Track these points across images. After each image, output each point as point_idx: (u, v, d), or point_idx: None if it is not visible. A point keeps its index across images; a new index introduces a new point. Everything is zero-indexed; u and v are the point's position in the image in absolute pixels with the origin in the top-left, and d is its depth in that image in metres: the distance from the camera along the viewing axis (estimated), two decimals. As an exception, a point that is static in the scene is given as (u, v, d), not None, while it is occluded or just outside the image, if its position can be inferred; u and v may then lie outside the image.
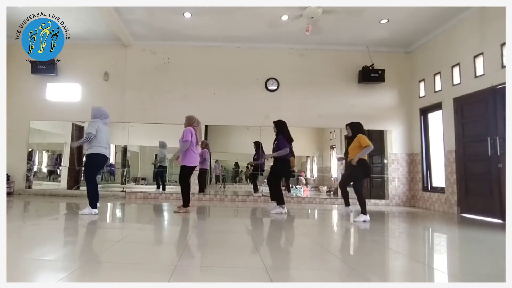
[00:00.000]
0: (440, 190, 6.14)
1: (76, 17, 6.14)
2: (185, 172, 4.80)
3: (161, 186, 7.42)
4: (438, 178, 6.33)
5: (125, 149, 7.68)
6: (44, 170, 7.88)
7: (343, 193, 4.68)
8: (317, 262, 2.47)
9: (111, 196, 6.98)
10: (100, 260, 2.22)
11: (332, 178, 7.91)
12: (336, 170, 7.76)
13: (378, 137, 7.23)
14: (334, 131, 7.67)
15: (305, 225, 4.55)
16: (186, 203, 4.80)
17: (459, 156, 5.58)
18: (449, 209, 5.78)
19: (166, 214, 4.87)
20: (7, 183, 6.41)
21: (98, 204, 4.30)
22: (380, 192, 7.11)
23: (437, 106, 6.23)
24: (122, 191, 7.21)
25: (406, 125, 7.09)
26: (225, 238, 3.29)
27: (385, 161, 7.08)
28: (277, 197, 5.09)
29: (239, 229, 3.86)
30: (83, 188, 7.40)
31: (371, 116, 7.10)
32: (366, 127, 7.03)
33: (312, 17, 5.64)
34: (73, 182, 7.46)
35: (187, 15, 5.97)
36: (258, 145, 7.28)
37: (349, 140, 4.72)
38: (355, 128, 4.75)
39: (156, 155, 7.63)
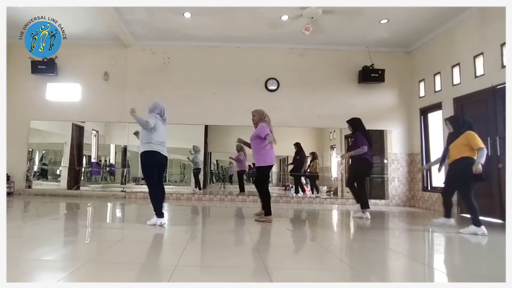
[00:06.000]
0: (440, 190, 6.12)
1: (76, 17, 6.14)
2: (263, 173, 4.22)
3: (197, 187, 7.59)
4: (438, 178, 6.32)
5: (125, 149, 7.68)
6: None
7: (445, 203, 4.05)
8: (317, 262, 2.47)
9: (111, 196, 6.98)
10: (100, 260, 2.22)
11: (332, 178, 7.91)
12: (336, 170, 7.76)
13: (378, 137, 7.23)
14: (334, 131, 7.67)
15: (305, 225, 4.55)
16: (267, 211, 4.17)
17: (459, 156, 5.55)
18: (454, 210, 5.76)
19: (166, 214, 4.85)
20: (7, 183, 6.41)
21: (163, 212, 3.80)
22: (380, 192, 7.11)
23: (437, 106, 6.23)
24: (122, 191, 7.21)
25: (406, 125, 7.09)
26: (225, 238, 3.29)
27: (385, 161, 7.07)
28: (361, 201, 4.75)
29: (239, 229, 3.86)
30: (83, 188, 7.45)
31: (371, 116, 7.09)
32: (366, 127, 7.13)
33: (312, 17, 5.64)
34: (73, 182, 7.46)
35: (187, 15, 5.97)
36: (299, 146, 7.48)
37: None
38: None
39: (191, 159, 7.75)
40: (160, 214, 3.72)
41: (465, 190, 3.76)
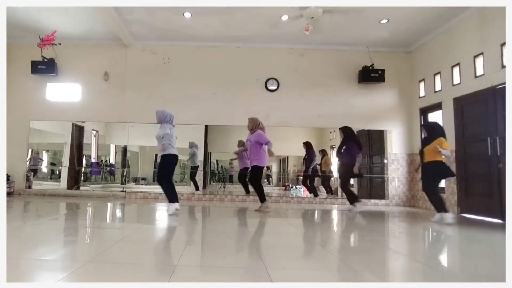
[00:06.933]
0: (440, 190, 6.12)
1: (76, 17, 6.14)
2: (260, 172, 5.14)
3: (194, 187, 7.40)
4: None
5: (125, 149, 7.67)
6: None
7: (434, 200, 4.58)
8: (317, 262, 2.47)
9: (111, 196, 6.98)
10: (100, 260, 2.22)
11: (332, 178, 7.90)
12: (336, 170, 7.74)
13: (378, 137, 7.24)
14: (334, 131, 7.65)
15: (305, 225, 4.55)
16: (263, 199, 5.15)
17: (459, 156, 5.57)
18: (449, 209, 5.77)
19: (166, 214, 4.86)
20: (7, 183, 6.41)
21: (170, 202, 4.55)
22: (380, 192, 7.11)
23: (437, 106, 6.23)
24: (122, 191, 7.21)
25: (406, 125, 7.08)
26: (225, 237, 3.29)
27: (385, 161, 7.08)
28: (351, 197, 5.59)
29: (239, 229, 3.87)
30: (83, 189, 7.44)
31: (371, 116, 7.11)
32: (366, 127, 7.17)
33: (312, 17, 5.64)
34: (73, 182, 7.46)
35: (187, 15, 5.97)
36: (309, 146, 7.38)
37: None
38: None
39: (192, 155, 7.51)
40: (176, 201, 4.52)
41: (432, 186, 4.58)
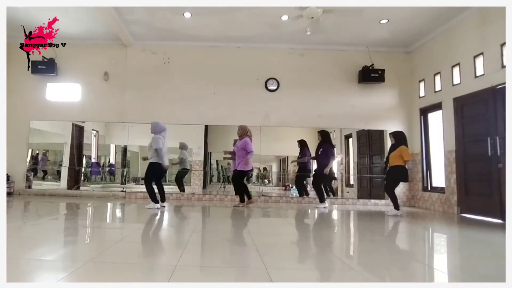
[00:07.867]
0: (440, 190, 6.14)
1: (76, 17, 6.14)
2: (243, 175, 5.75)
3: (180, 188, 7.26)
4: (438, 178, 6.32)
5: (125, 149, 7.67)
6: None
7: (391, 198, 5.22)
8: (317, 262, 2.47)
9: (111, 196, 6.98)
10: (100, 260, 2.22)
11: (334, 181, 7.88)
12: (336, 170, 7.74)
13: (378, 137, 7.23)
14: (334, 131, 7.63)
15: (305, 225, 4.55)
16: (249, 197, 5.81)
17: (459, 156, 5.57)
18: (449, 209, 5.78)
19: (165, 214, 4.86)
20: (7, 183, 6.41)
21: (160, 201, 5.27)
22: (380, 192, 7.10)
23: (437, 106, 6.23)
24: (122, 191, 7.21)
25: (406, 125, 7.08)
26: (225, 237, 3.29)
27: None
28: (321, 196, 6.04)
29: (239, 229, 3.87)
30: (83, 188, 7.45)
31: (371, 116, 7.11)
32: (366, 127, 7.18)
33: (312, 17, 5.64)
34: (73, 182, 7.45)
35: (187, 15, 5.97)
36: (303, 144, 7.15)
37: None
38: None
39: (181, 158, 7.34)
40: (156, 202, 5.16)
41: (392, 187, 5.21)
